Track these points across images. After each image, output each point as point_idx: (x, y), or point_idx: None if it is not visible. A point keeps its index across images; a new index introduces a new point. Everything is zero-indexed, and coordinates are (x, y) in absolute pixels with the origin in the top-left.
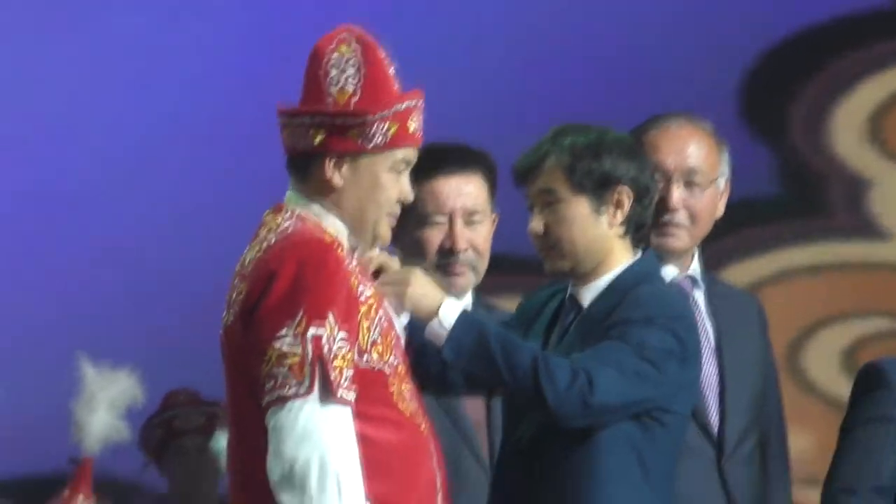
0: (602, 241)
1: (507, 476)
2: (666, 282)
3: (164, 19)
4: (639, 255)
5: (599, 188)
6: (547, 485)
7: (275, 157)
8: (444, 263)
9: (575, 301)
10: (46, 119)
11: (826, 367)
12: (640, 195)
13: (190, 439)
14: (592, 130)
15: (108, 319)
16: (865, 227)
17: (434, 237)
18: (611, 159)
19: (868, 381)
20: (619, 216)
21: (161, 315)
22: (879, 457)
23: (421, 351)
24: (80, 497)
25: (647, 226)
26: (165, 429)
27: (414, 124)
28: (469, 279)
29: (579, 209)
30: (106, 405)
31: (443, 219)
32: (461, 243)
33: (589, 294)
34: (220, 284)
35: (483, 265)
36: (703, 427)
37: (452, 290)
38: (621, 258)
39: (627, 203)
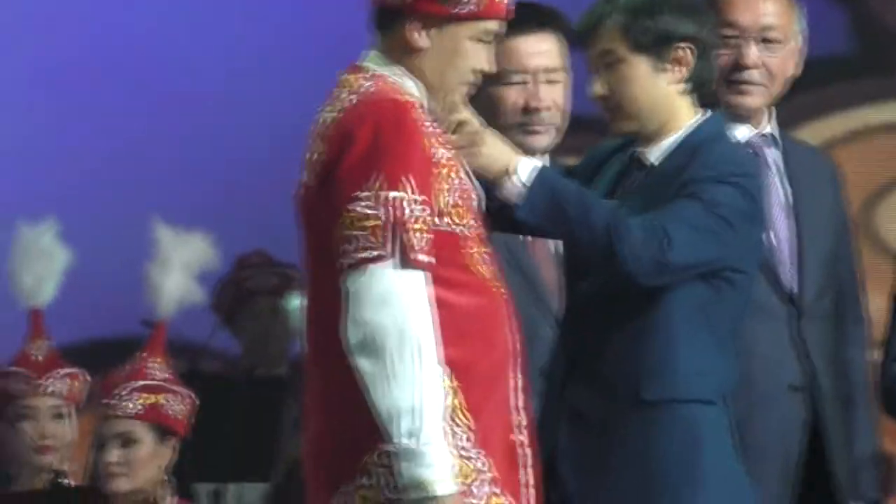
0: (665, 99)
1: (571, 333)
2: (733, 141)
3: None
4: (706, 114)
5: (658, 46)
6: (614, 343)
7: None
8: (526, 122)
9: (641, 160)
10: None
11: None
12: (702, 52)
13: (263, 300)
14: None
15: (182, 181)
16: None
17: (513, 96)
18: (668, 17)
19: None
20: (681, 74)
21: (234, 176)
22: None
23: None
24: (156, 359)
25: (711, 82)
26: (238, 289)
27: None
28: (551, 138)
29: (640, 68)
30: (180, 267)
31: (521, 77)
32: (546, 101)
33: (655, 153)
34: (293, 145)
35: (564, 124)
36: (780, 287)
37: (534, 149)
38: (686, 117)
39: (689, 60)
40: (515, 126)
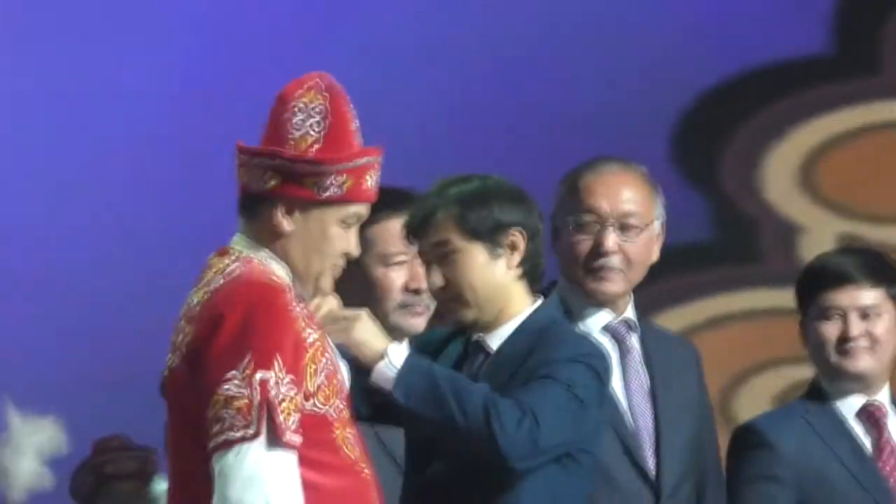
0: (502, 285)
1: None
2: (573, 326)
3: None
4: (539, 300)
5: (492, 233)
6: None
7: (210, 199)
8: (409, 302)
9: (481, 346)
10: None
11: (758, 413)
12: (532, 235)
13: (122, 485)
14: (475, 178)
15: (34, 365)
16: (796, 274)
17: (399, 276)
18: (499, 204)
19: (746, 440)
20: (516, 258)
21: (89, 361)
22: None
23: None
24: None
25: (541, 265)
26: (97, 475)
27: (370, 181)
28: (425, 319)
29: (476, 256)
30: (31, 452)
31: (404, 258)
32: (425, 283)
33: (496, 339)
34: (150, 328)
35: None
36: (641, 471)
37: (414, 331)
38: (523, 302)
39: (522, 244)
40: (398, 307)
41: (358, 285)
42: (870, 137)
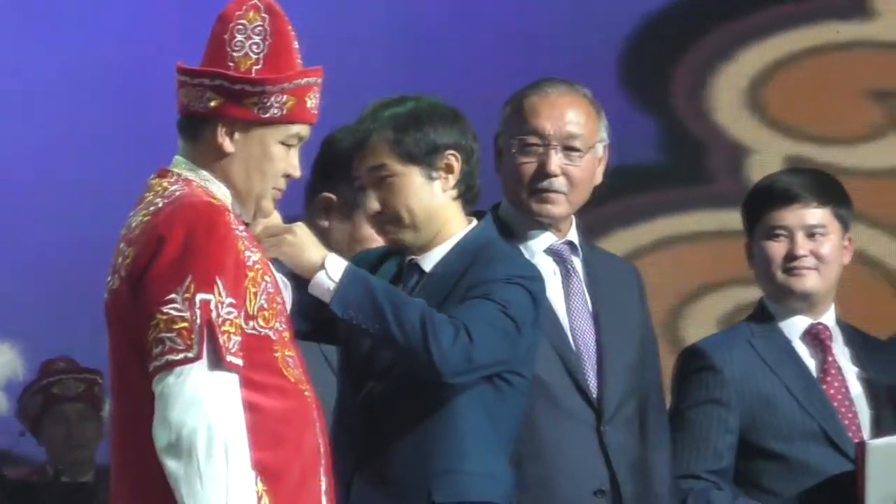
0: (439, 207)
1: (356, 435)
2: (515, 246)
3: None
4: (474, 221)
5: (428, 156)
6: (403, 445)
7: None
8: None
9: (416, 266)
10: None
11: (705, 335)
12: (467, 157)
13: (69, 406)
14: (408, 100)
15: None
16: (745, 195)
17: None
18: (434, 126)
19: (691, 363)
20: (451, 180)
21: (38, 285)
22: (715, 440)
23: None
24: None
25: (476, 186)
26: (45, 396)
27: (312, 101)
28: None
29: (412, 179)
30: None
31: None
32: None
33: (430, 259)
34: (98, 252)
35: None
36: (583, 392)
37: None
38: (459, 223)
39: (457, 166)
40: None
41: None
42: (817, 59)
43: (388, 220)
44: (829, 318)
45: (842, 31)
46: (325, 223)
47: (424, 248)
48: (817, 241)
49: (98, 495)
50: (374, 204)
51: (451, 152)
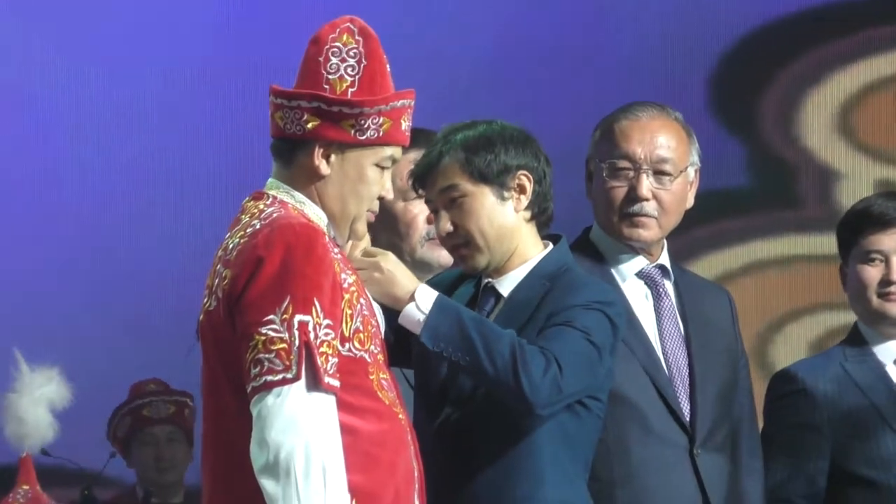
0: (511, 228)
1: (427, 457)
2: (608, 271)
3: None
4: (550, 245)
5: (499, 176)
6: (482, 474)
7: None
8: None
9: (493, 289)
10: None
11: (794, 359)
12: (539, 178)
13: (159, 428)
14: (479, 124)
15: (42, 317)
16: (835, 219)
17: (420, 211)
18: (504, 147)
19: (783, 386)
20: (524, 201)
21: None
22: (807, 464)
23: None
24: (25, 486)
25: (550, 208)
26: (133, 418)
27: (406, 123)
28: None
29: (484, 199)
30: (43, 403)
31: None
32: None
33: (507, 283)
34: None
35: None
36: (675, 415)
37: (441, 262)
38: (533, 246)
39: (529, 187)
40: (423, 240)
41: (381, 224)
42: None
43: (462, 242)
44: None
45: None
46: None
47: (499, 271)
48: None
49: None
50: (446, 225)
51: (524, 172)
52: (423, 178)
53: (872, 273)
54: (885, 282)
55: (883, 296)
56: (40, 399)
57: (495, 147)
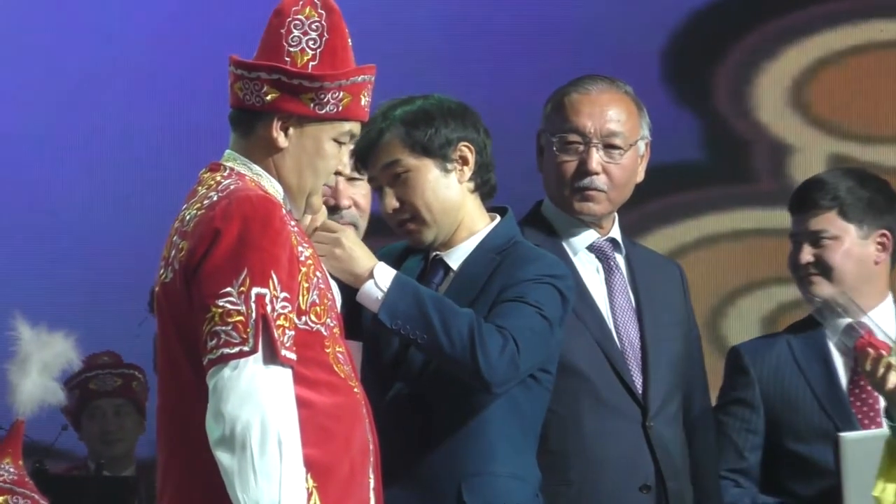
0: (456, 199)
1: (385, 436)
2: (558, 244)
3: None
4: (497, 218)
5: (441, 149)
6: (429, 444)
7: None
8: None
9: (442, 261)
10: None
11: (746, 334)
12: (480, 149)
13: (106, 401)
14: (417, 98)
15: (49, 279)
16: (788, 193)
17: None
18: (444, 121)
19: (728, 363)
20: (467, 172)
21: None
22: (737, 439)
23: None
24: (6, 460)
25: (492, 179)
26: (81, 391)
27: (365, 99)
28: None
29: (428, 172)
30: (40, 366)
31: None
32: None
33: (457, 255)
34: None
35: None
36: (628, 388)
37: None
38: (480, 218)
39: (472, 158)
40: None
41: None
42: (860, 57)
43: (408, 217)
44: None
45: (885, 30)
46: None
47: (447, 244)
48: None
49: (139, 490)
50: (392, 201)
51: (465, 144)
52: (364, 157)
53: (794, 255)
54: (796, 265)
55: (801, 279)
56: (35, 362)
57: (435, 120)
